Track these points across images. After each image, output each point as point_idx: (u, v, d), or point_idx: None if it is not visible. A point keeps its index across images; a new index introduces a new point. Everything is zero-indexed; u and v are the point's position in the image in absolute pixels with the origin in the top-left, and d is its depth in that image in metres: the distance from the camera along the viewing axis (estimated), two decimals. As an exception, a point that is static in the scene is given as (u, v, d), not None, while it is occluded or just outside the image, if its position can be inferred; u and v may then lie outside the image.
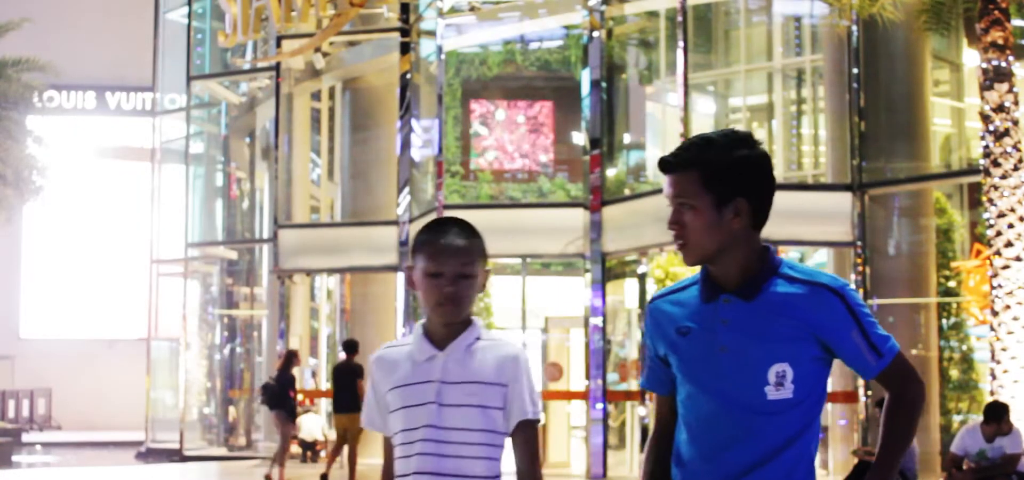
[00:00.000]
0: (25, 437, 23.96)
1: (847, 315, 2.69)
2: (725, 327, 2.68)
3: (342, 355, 14.34)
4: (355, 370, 13.66)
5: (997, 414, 10.11)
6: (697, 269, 2.81)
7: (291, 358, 14.56)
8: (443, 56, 16.74)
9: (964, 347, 15.47)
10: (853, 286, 2.62)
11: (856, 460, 11.84)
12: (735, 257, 2.69)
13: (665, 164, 2.72)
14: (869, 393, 13.80)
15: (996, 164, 11.44)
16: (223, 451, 20.44)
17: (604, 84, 15.90)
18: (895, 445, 2.81)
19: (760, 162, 2.71)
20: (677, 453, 2.81)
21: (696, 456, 2.73)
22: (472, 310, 2.96)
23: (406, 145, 17.17)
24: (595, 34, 15.84)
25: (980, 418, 10.37)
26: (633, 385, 15.07)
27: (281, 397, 14.22)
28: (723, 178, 2.65)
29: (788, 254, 17.32)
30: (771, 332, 2.65)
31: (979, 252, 14.23)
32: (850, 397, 14.18)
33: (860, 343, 2.69)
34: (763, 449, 2.67)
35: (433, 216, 15.89)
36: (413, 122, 17.16)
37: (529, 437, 2.92)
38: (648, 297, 15.80)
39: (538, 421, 2.94)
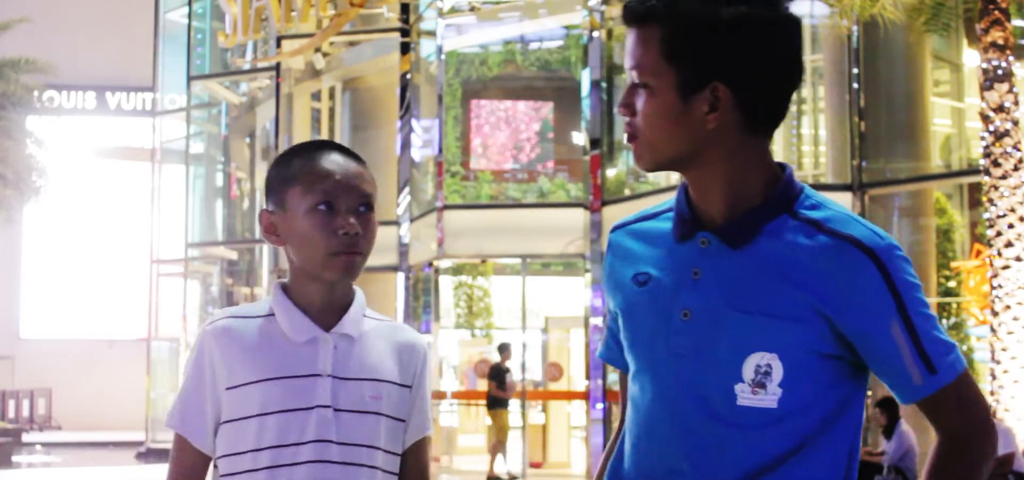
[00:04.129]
0: (25, 437, 23.95)
1: (886, 294, 1.69)
2: (695, 282, 1.74)
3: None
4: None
5: None
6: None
7: None
8: (443, 56, 16.74)
9: (964, 347, 15.47)
10: (902, 251, 1.77)
11: (856, 460, 11.83)
12: (713, 175, 1.74)
13: (626, 11, 1.78)
14: (869, 393, 13.80)
15: (996, 164, 11.43)
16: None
17: (604, 84, 15.90)
18: None
19: (765, 28, 1.71)
20: (614, 466, 1.89)
21: (634, 474, 1.81)
22: None
23: (406, 145, 17.17)
24: (595, 34, 15.84)
25: None
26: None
27: None
28: (694, 47, 1.70)
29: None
30: (760, 301, 1.70)
31: (979, 252, 14.23)
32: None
33: (903, 344, 1.69)
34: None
35: (433, 216, 15.94)
36: (413, 122, 17.16)
37: (426, 461, 2.15)
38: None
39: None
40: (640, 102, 1.74)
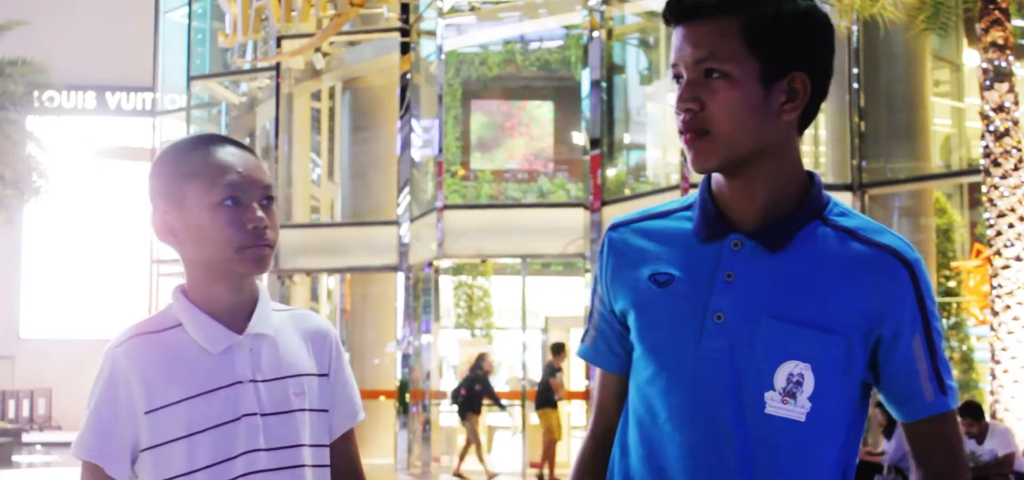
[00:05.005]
0: (25, 437, 23.95)
1: (916, 308, 1.69)
2: (728, 285, 1.69)
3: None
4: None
5: (970, 412, 10.24)
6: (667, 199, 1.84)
7: (481, 360, 15.41)
8: (443, 56, 16.74)
9: (964, 347, 15.48)
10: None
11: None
12: (767, 173, 1.70)
13: (685, 4, 1.70)
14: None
15: (996, 164, 11.43)
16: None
17: (604, 84, 15.90)
18: None
19: (827, 21, 1.74)
20: (623, 470, 1.82)
21: (654, 477, 1.73)
22: None
23: (406, 145, 17.17)
24: (595, 34, 15.84)
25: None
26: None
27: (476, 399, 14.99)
28: (778, 36, 1.66)
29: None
30: (796, 308, 1.67)
31: (979, 252, 14.23)
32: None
33: (922, 360, 1.69)
34: None
35: (433, 216, 15.93)
36: (413, 122, 17.16)
37: (355, 451, 2.08)
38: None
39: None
40: (713, 95, 1.66)
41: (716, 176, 1.74)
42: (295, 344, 1.96)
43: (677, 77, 1.71)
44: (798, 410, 1.66)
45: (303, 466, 1.92)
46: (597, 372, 1.92)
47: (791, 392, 1.66)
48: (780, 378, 1.66)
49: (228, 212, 1.87)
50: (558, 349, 15.22)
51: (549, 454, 14.86)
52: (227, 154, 1.91)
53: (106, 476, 1.88)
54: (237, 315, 1.93)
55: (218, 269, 1.91)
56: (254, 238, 1.88)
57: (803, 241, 1.70)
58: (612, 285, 1.82)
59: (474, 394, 15.04)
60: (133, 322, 2.06)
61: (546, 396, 14.75)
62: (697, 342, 1.69)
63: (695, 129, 1.67)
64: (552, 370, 14.99)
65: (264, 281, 1.67)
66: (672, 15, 1.72)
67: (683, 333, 1.71)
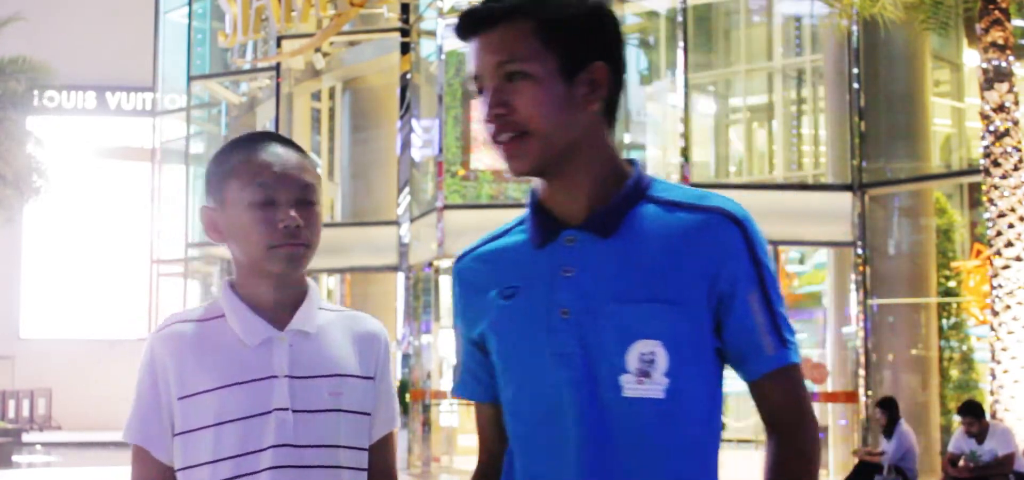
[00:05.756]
0: (25, 437, 23.94)
1: (750, 263, 1.70)
2: (568, 280, 1.70)
3: None
4: None
5: (971, 411, 10.25)
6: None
7: None
8: (443, 56, 16.74)
9: (964, 347, 15.48)
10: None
11: (857, 460, 11.84)
12: (585, 166, 1.73)
13: (476, 16, 1.74)
14: (869, 393, 13.80)
15: (996, 164, 11.44)
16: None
17: (604, 84, 15.87)
18: None
19: (615, 18, 1.78)
20: None
21: None
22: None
23: (406, 145, 17.17)
24: (595, 34, 15.82)
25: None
26: None
27: None
28: (572, 30, 1.71)
29: (787, 254, 17.34)
30: (638, 288, 1.68)
31: (979, 252, 14.25)
32: (850, 397, 14.18)
33: (760, 315, 1.70)
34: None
35: (433, 216, 15.93)
36: (413, 122, 17.16)
37: (392, 457, 2.08)
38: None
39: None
40: (519, 96, 1.69)
41: (539, 182, 1.76)
42: (339, 344, 1.97)
43: (480, 90, 1.74)
44: (656, 388, 1.66)
45: (338, 467, 1.93)
46: (474, 407, 1.91)
47: (645, 371, 1.66)
48: (632, 359, 1.66)
49: (262, 211, 1.91)
50: None
51: None
52: (267, 153, 1.94)
53: (152, 458, 1.94)
54: (280, 311, 1.95)
55: (257, 267, 1.94)
56: (285, 237, 1.90)
57: (633, 222, 1.72)
58: (465, 315, 1.84)
59: None
60: (178, 310, 2.11)
61: None
62: (548, 343, 1.70)
63: (510, 131, 1.70)
64: None
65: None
66: (466, 29, 1.75)
67: (534, 339, 1.72)
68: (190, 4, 22.06)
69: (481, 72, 1.74)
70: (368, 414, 1.99)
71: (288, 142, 2.00)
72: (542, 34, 1.69)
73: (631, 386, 1.67)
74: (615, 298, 1.68)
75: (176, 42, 22.74)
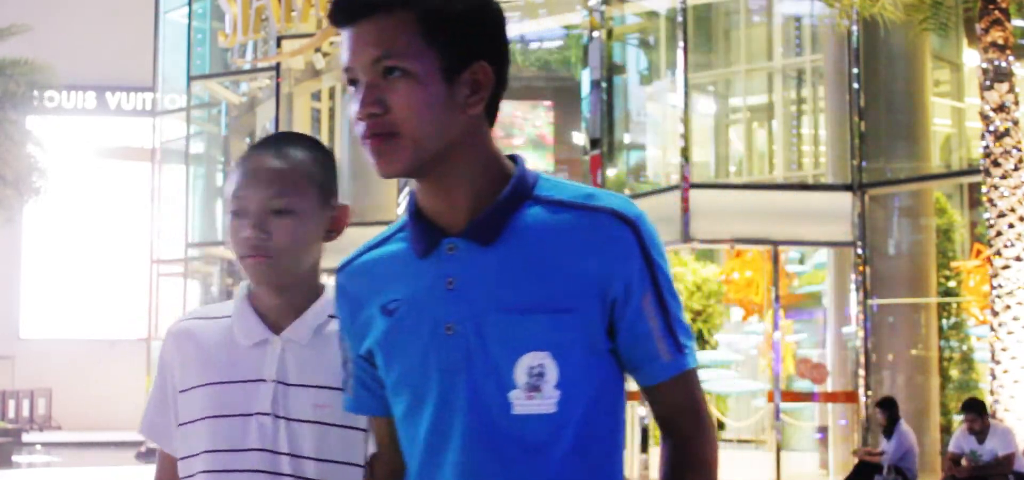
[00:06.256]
0: (25, 437, 23.95)
1: (643, 265, 1.60)
2: (450, 293, 1.60)
3: None
4: None
5: (974, 408, 10.26)
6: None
7: None
8: (443, 56, 16.73)
9: (964, 347, 15.48)
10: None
11: (856, 460, 11.84)
12: (463, 170, 1.61)
13: (354, 2, 1.59)
14: (869, 393, 13.80)
15: (996, 164, 11.44)
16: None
17: (604, 84, 15.89)
18: None
19: (501, 12, 1.66)
20: None
21: None
22: (315, 272, 1.99)
23: (406, 145, 17.17)
24: (595, 34, 15.84)
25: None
26: (632, 385, 15.07)
27: None
28: (457, 26, 1.58)
29: (787, 254, 17.34)
30: (524, 297, 1.57)
31: (979, 252, 14.25)
32: (850, 397, 14.18)
33: (655, 319, 1.61)
34: None
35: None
36: (413, 122, 17.16)
37: None
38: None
39: None
40: (396, 95, 1.56)
41: (418, 187, 1.65)
42: (336, 355, 1.86)
43: (353, 82, 1.60)
44: (547, 402, 1.56)
45: None
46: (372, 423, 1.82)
47: (535, 386, 1.56)
48: (520, 374, 1.56)
49: (234, 221, 1.91)
50: None
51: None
52: (247, 162, 1.93)
53: (162, 450, 2.04)
54: (283, 315, 1.94)
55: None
56: (249, 248, 1.89)
57: (517, 226, 1.59)
58: (351, 330, 1.73)
59: None
60: (198, 308, 2.16)
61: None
62: (435, 360, 1.60)
63: (381, 133, 1.58)
64: None
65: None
66: (342, 15, 1.59)
67: (420, 356, 1.61)
68: (190, 4, 22.06)
69: (354, 64, 1.58)
70: (362, 429, 1.90)
71: (281, 150, 1.93)
72: (424, 28, 1.56)
73: (521, 402, 1.56)
74: (500, 309, 1.56)
75: (176, 42, 22.73)
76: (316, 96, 20.53)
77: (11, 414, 26.30)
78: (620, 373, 1.65)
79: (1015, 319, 11.25)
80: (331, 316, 1.90)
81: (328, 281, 1.94)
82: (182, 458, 1.96)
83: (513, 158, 1.66)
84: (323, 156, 1.97)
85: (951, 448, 10.48)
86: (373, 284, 1.69)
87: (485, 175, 1.61)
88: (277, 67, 18.96)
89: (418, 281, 1.63)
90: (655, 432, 14.63)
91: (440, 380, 1.59)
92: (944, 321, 15.21)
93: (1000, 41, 11.45)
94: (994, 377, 11.43)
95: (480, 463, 1.57)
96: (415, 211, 1.65)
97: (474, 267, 1.59)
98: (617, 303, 1.58)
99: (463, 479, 1.57)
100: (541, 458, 1.56)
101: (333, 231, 1.97)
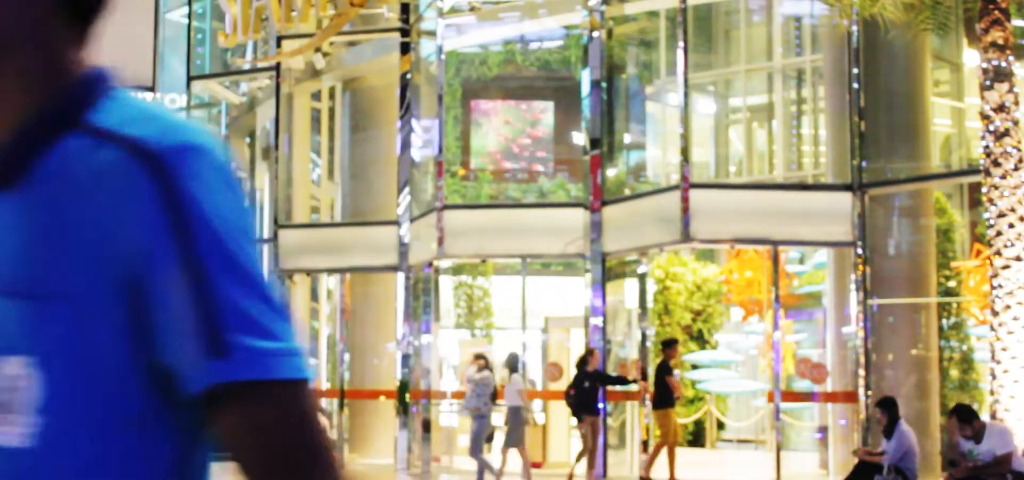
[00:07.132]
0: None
1: (167, 224, 1.04)
2: None
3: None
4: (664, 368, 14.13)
5: (965, 415, 10.25)
6: None
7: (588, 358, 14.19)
8: (443, 56, 16.74)
9: (964, 347, 15.48)
10: (223, 159, 1.14)
11: (856, 460, 11.84)
12: (12, 76, 1.11)
13: None
14: (869, 393, 13.80)
15: (996, 164, 11.44)
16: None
17: (604, 84, 15.89)
18: None
19: None
20: None
21: None
22: None
23: (406, 145, 17.17)
24: (595, 34, 15.84)
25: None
26: (633, 386, 15.06)
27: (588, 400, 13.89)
28: None
29: (787, 254, 17.35)
30: (24, 274, 1.05)
31: (979, 252, 14.25)
32: (850, 397, 14.18)
33: (184, 306, 1.03)
34: None
35: (433, 216, 15.94)
36: (413, 122, 17.16)
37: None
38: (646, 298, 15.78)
39: None
40: None
41: None
42: None
43: None
44: (17, 432, 1.03)
45: None
46: None
47: (6, 406, 1.04)
48: None
49: None
50: (670, 344, 14.52)
51: (670, 457, 13.93)
52: None
53: None
54: None
55: None
56: None
57: (49, 166, 1.07)
58: None
59: (585, 392, 13.85)
60: None
61: (664, 396, 13.90)
62: None
63: None
64: (667, 368, 14.13)
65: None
66: None
67: None
68: (190, 4, 22.07)
69: None
70: None
71: None
72: None
73: None
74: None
75: (176, 42, 22.75)
76: (316, 96, 20.54)
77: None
78: (163, 400, 1.07)
79: (1015, 319, 11.25)
80: None
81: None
82: None
83: (96, 70, 1.20)
84: None
85: (950, 451, 10.47)
86: None
87: (43, 87, 1.12)
88: (277, 67, 18.96)
89: None
90: (655, 431, 14.64)
91: None
92: (944, 321, 15.22)
93: (1000, 41, 11.45)
94: (994, 377, 11.42)
95: None
96: None
97: None
98: (140, 288, 1.04)
99: None
100: None
101: None
